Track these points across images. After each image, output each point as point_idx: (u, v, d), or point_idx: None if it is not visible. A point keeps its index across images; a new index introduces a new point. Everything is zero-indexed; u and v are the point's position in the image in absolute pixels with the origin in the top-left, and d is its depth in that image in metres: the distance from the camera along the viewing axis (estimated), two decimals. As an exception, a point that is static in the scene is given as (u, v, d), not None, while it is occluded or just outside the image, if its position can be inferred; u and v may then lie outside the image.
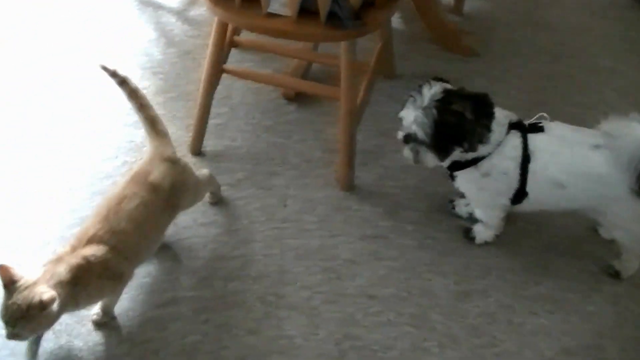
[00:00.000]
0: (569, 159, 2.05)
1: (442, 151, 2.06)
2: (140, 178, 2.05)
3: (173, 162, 2.13)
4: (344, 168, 2.46)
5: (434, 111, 2.00)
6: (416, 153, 2.08)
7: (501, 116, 2.07)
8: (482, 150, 2.06)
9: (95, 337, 2.11)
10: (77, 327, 2.11)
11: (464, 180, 2.19)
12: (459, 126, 2.01)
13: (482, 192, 2.19)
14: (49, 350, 2.06)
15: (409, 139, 2.07)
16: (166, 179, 2.07)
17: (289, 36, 2.23)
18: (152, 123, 2.16)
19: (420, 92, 2.04)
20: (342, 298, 2.21)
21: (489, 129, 2.03)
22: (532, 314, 2.19)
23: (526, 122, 2.12)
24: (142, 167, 2.09)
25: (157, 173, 2.07)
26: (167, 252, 2.31)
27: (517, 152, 2.07)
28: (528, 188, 2.10)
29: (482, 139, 2.03)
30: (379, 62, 2.62)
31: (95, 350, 2.09)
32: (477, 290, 2.24)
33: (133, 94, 2.13)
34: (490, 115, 2.04)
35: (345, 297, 2.21)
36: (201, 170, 2.35)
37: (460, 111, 2.00)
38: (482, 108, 2.03)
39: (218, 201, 2.46)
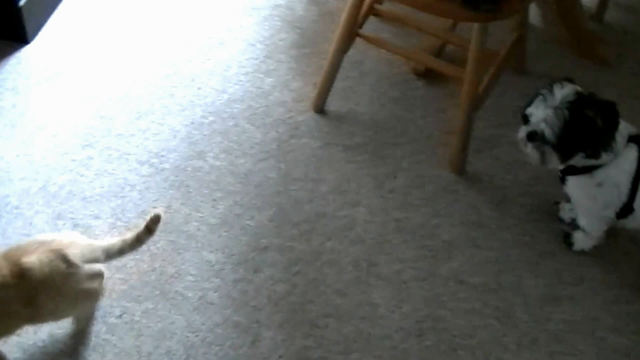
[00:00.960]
0: None
1: (566, 154, 2.04)
2: (14, 253, 1.81)
3: (64, 260, 1.83)
4: (458, 151, 2.48)
5: (566, 112, 1.97)
6: (540, 152, 2.06)
7: (622, 127, 2.04)
8: (601, 159, 2.04)
9: (191, 277, 2.21)
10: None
11: (575, 186, 2.18)
12: (588, 131, 1.98)
13: (590, 201, 2.17)
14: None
15: (534, 137, 2.06)
16: (42, 270, 1.79)
17: (425, 8, 2.25)
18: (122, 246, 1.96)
19: (551, 91, 2.01)
20: (433, 278, 2.24)
21: (614, 139, 2.01)
22: (616, 330, 2.17)
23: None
24: (23, 246, 1.84)
25: (36, 259, 1.79)
26: (276, 199, 2.38)
27: (632, 166, 2.05)
28: (635, 204, 2.08)
29: (607, 148, 2.01)
30: (510, 54, 2.61)
31: (183, 284, 2.18)
32: (566, 296, 2.24)
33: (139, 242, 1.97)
34: (616, 125, 2.01)
35: (436, 278, 2.24)
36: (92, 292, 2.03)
37: (591, 116, 1.97)
38: (611, 117, 2.01)
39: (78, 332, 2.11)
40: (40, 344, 2.07)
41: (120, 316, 2.14)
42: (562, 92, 2.00)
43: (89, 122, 2.62)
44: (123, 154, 2.52)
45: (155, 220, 1.95)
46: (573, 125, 1.98)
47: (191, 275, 2.21)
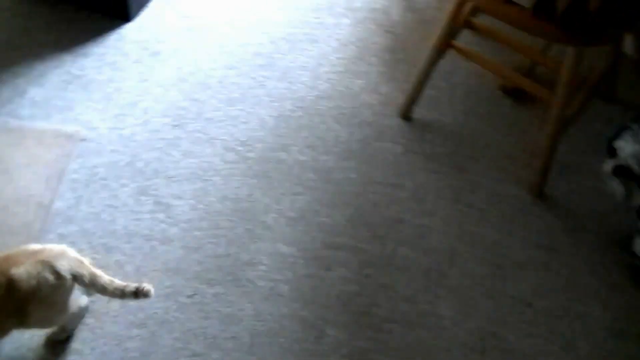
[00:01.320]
0: None
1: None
2: (2, 264, 1.80)
3: (53, 271, 1.83)
4: (539, 174, 2.48)
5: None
6: (626, 188, 2.04)
7: None
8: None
9: (264, 267, 2.25)
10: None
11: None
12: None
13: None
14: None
15: (620, 171, 2.04)
16: (30, 282, 1.79)
17: (522, 26, 2.24)
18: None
19: (641, 126, 2.00)
20: (501, 297, 2.25)
21: None
22: (680, 374, 2.16)
23: None
24: (12, 257, 1.83)
25: (24, 270, 1.79)
26: (355, 200, 2.42)
27: None
28: None
29: None
30: (600, 80, 2.59)
31: (255, 272, 2.23)
32: (632, 333, 2.22)
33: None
34: None
35: (504, 297, 2.25)
36: (78, 300, 2.06)
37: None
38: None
39: (60, 340, 2.11)
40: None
41: (191, 296, 2.20)
42: (655, 128, 1.98)
43: (181, 104, 2.69)
44: (211, 138, 2.58)
45: (145, 293, 1.94)
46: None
47: (264, 265, 2.26)
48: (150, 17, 3.02)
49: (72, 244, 2.30)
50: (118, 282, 1.96)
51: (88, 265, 1.94)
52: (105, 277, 1.95)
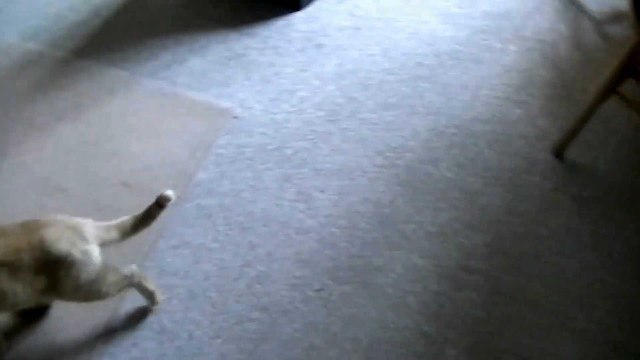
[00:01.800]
0: None
1: None
2: (33, 224, 1.79)
3: (82, 237, 1.81)
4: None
5: None
6: None
7: None
8: None
9: (395, 275, 2.23)
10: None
11: None
12: None
13: None
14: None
15: None
16: (60, 245, 1.77)
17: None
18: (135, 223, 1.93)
19: None
20: (621, 351, 2.16)
21: None
22: None
23: None
24: (42, 220, 1.81)
25: (54, 232, 1.78)
26: (496, 227, 2.37)
27: None
28: None
29: None
30: None
31: (385, 279, 2.21)
32: None
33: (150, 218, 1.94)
34: None
35: (627, 353, 2.16)
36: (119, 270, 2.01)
37: None
38: None
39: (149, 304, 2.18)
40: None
41: (318, 291, 2.20)
42: None
43: (337, 100, 2.69)
44: (362, 139, 2.57)
45: (165, 198, 1.89)
46: None
47: (395, 273, 2.24)
48: (319, 10, 3.04)
49: (209, 216, 2.33)
50: (139, 214, 1.93)
51: (111, 222, 1.90)
52: (127, 217, 1.92)
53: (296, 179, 2.45)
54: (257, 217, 2.36)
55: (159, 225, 2.31)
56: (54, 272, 1.76)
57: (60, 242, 1.75)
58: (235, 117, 2.64)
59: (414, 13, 3.04)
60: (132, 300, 2.19)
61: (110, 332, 2.15)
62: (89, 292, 1.88)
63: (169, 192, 1.90)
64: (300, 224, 2.34)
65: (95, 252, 1.82)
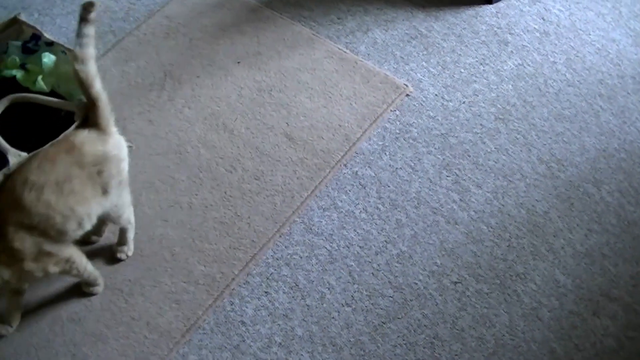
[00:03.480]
0: None
1: None
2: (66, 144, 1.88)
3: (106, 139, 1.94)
4: None
5: None
6: None
7: None
8: None
9: (534, 286, 2.21)
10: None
11: None
12: None
13: None
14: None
15: None
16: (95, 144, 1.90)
17: None
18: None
19: None
20: None
21: None
22: None
23: None
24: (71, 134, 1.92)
25: (86, 135, 1.90)
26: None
27: None
28: None
29: None
30: None
31: (523, 287, 2.20)
32: None
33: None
34: None
35: None
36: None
37: None
38: None
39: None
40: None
41: (455, 283, 2.21)
42: None
43: (511, 100, 2.67)
44: (528, 143, 2.55)
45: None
46: None
47: (535, 284, 2.22)
48: (510, 7, 3.00)
49: (363, 186, 2.37)
50: None
51: None
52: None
53: (455, 168, 2.45)
54: (410, 198, 2.38)
55: (313, 184, 2.36)
56: (101, 172, 1.87)
57: (94, 142, 1.87)
58: (408, 95, 2.65)
59: (606, 29, 2.96)
60: (273, 250, 2.25)
61: (247, 275, 2.21)
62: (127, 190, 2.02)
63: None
64: (451, 214, 2.35)
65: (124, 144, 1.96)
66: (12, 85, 2.05)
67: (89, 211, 1.89)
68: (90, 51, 1.85)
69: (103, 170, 1.88)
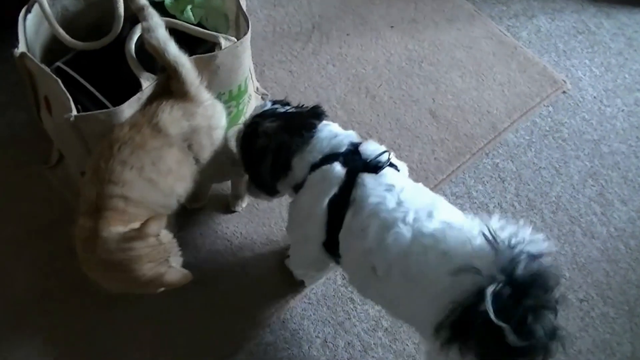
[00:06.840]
0: None
1: None
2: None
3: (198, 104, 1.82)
4: None
5: None
6: None
7: None
8: None
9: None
10: None
11: None
12: None
13: None
14: None
15: None
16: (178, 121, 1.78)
17: None
18: None
19: None
20: None
21: None
22: None
23: None
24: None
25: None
26: None
27: None
28: None
29: None
30: None
31: None
32: None
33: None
34: None
35: None
36: None
37: None
38: None
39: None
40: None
41: (581, 300, 2.08)
42: None
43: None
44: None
45: None
46: None
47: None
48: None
49: (502, 180, 2.26)
50: None
51: None
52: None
53: (602, 179, 2.31)
54: (549, 201, 2.26)
55: (450, 168, 2.26)
56: (191, 147, 1.77)
57: (179, 122, 1.75)
58: (564, 93, 2.51)
59: None
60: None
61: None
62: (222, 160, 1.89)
63: None
64: (589, 226, 2.21)
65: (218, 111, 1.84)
66: (158, 10, 1.99)
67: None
68: (156, 20, 1.77)
69: (192, 143, 1.79)
